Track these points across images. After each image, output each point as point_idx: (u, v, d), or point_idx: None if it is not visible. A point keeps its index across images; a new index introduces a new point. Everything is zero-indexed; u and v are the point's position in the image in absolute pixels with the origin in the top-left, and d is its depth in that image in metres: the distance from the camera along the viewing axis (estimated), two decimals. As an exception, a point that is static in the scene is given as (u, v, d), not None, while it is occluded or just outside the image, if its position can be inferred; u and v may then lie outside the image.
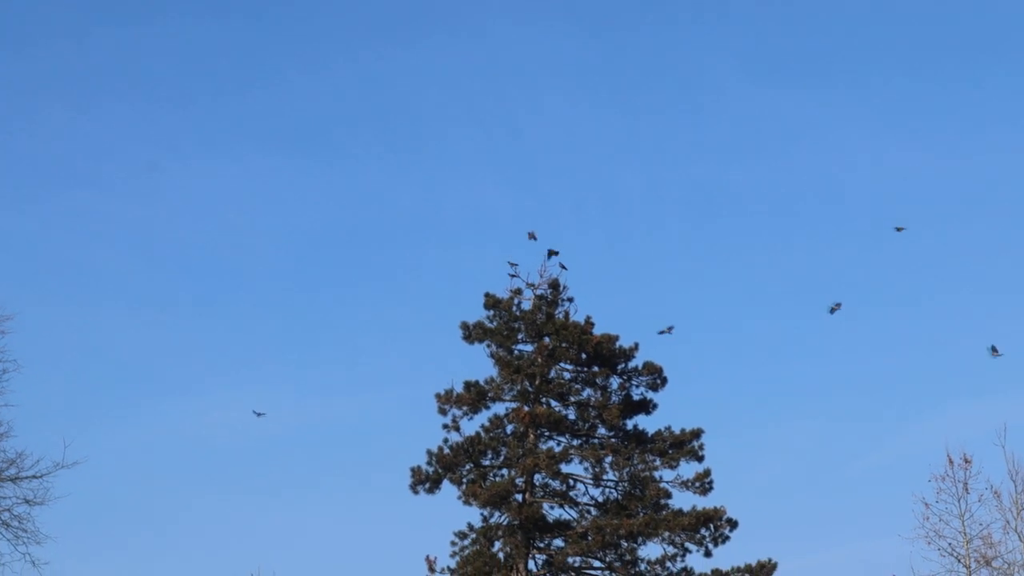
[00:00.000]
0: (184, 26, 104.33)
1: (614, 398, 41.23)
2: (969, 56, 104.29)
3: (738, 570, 38.93)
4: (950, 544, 33.92)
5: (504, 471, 40.07)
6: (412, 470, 40.14)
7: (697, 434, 40.80)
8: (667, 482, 40.32)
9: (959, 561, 33.85)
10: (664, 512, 39.61)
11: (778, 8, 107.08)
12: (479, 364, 42.40)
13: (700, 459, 40.63)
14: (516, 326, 41.32)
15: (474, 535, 39.66)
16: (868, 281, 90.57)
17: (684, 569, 39.72)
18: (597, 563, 40.13)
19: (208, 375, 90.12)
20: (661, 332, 42.81)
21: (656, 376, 41.45)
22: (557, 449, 40.24)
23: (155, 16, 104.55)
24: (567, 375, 41.25)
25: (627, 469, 40.24)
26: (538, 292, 41.77)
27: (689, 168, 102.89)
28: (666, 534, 39.32)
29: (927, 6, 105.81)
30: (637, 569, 39.78)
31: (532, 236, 42.20)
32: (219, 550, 72.25)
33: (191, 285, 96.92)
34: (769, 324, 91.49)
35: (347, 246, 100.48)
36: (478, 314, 41.62)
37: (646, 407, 41.60)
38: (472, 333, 41.44)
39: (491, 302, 41.56)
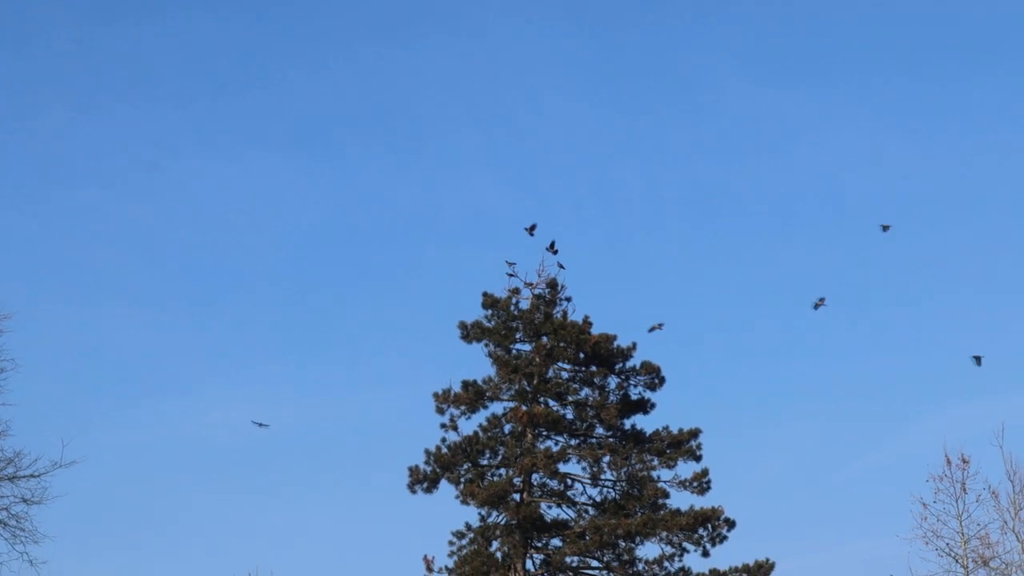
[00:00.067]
0: (184, 26, 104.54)
1: (612, 398, 41.18)
2: (968, 56, 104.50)
3: (736, 570, 38.89)
4: (948, 544, 34.00)
5: (502, 471, 40.04)
6: (410, 469, 40.13)
7: (695, 434, 40.78)
8: (665, 482, 40.32)
9: (957, 561, 33.87)
10: (662, 512, 39.58)
11: (778, 8, 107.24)
12: (477, 364, 42.42)
13: (698, 459, 40.61)
14: (514, 325, 41.26)
15: (472, 535, 39.62)
16: (867, 281, 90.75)
17: (682, 569, 39.68)
18: (595, 563, 40.10)
19: (207, 375, 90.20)
20: (651, 329, 42.77)
21: (654, 376, 41.41)
22: (555, 449, 40.18)
23: (155, 16, 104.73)
24: (565, 375, 41.22)
25: (625, 469, 40.19)
26: (536, 291, 41.77)
27: (689, 168, 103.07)
28: (664, 534, 39.28)
29: (927, 6, 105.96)
30: (635, 569, 39.75)
31: (531, 230, 42.10)
32: (218, 550, 72.26)
33: (191, 285, 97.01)
34: (768, 324, 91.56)
35: (347, 246, 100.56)
36: (477, 314, 41.66)
37: (644, 407, 41.56)
38: (470, 332, 41.39)
39: (489, 301, 41.51)
